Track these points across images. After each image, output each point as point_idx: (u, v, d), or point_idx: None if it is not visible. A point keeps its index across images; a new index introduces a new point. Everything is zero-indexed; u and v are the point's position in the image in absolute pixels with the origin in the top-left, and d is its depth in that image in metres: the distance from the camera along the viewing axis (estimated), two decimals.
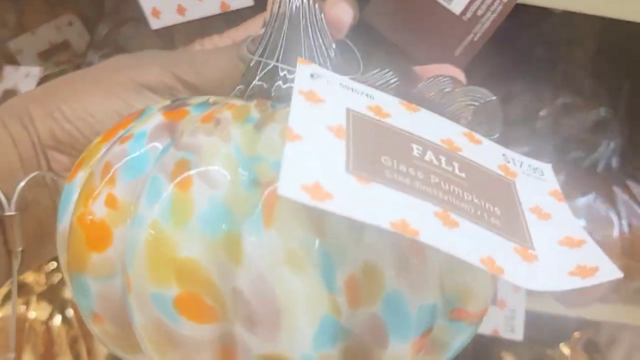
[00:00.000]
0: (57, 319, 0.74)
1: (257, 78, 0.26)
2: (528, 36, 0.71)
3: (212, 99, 0.25)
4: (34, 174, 0.30)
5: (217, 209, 0.20)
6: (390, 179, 0.20)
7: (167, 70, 0.32)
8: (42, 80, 0.60)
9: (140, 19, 0.61)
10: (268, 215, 0.20)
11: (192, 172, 0.21)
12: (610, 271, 0.22)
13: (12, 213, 0.29)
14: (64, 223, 0.23)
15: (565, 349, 0.75)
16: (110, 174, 0.22)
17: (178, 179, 0.20)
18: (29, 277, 0.76)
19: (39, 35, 0.76)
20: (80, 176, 0.24)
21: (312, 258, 0.20)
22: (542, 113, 0.62)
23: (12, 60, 0.74)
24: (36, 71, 0.59)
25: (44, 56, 0.77)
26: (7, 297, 0.75)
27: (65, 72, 0.64)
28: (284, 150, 0.19)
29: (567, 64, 0.69)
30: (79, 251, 0.22)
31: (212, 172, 0.21)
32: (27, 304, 0.74)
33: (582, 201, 0.57)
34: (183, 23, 0.55)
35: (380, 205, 0.18)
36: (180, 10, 0.51)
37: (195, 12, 0.51)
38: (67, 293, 0.76)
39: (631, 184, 0.59)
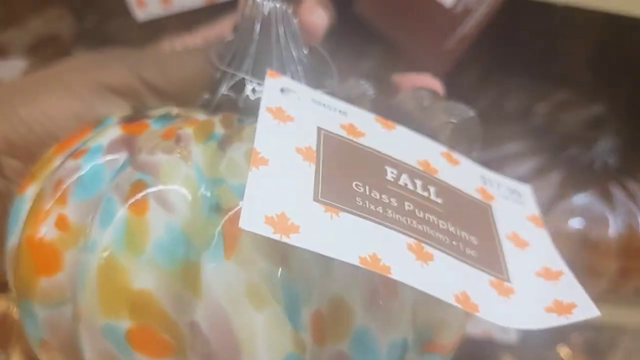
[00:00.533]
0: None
1: (225, 88, 0.24)
2: (525, 30, 0.69)
3: (175, 110, 0.23)
4: None
5: (175, 235, 0.18)
6: (362, 208, 0.19)
7: (134, 72, 0.29)
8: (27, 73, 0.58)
9: (127, 12, 0.59)
10: (229, 245, 0.18)
11: (148, 194, 0.19)
12: (586, 309, 0.20)
13: None
14: (12, 239, 0.22)
15: (564, 351, 0.74)
16: (61, 192, 0.21)
17: (132, 201, 0.19)
18: None
19: (28, 28, 0.75)
20: (31, 190, 0.22)
21: (275, 292, 0.18)
22: (539, 109, 0.60)
23: (2, 53, 0.73)
24: (22, 65, 0.57)
25: (34, 50, 0.75)
26: None
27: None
28: (248, 176, 0.17)
29: (565, 59, 0.68)
30: (26, 275, 0.21)
31: (170, 194, 0.19)
32: (15, 302, 0.73)
33: (578, 199, 0.56)
34: (173, 17, 0.54)
35: (349, 238, 0.17)
36: (165, 1, 0.50)
37: (180, 4, 0.50)
38: None
39: (628, 182, 0.57)
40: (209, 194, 0.19)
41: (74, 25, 0.78)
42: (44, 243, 0.20)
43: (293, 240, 0.17)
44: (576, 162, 0.57)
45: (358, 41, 0.62)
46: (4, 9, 0.75)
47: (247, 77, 0.25)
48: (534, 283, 0.21)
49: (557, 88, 0.61)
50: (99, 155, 0.21)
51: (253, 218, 0.17)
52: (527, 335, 0.62)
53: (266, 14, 0.25)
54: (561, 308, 0.20)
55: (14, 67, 0.59)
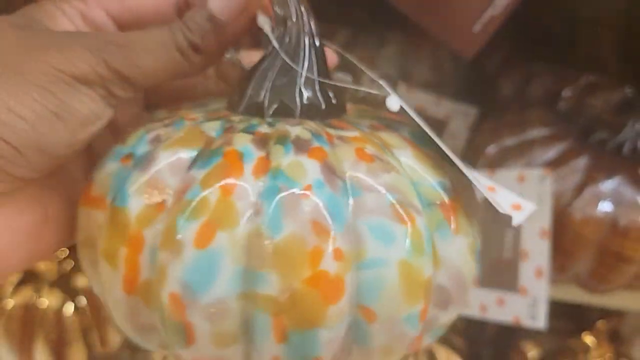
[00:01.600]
0: (69, 308, 0.73)
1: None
2: (551, 14, 0.68)
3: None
4: None
5: (427, 234, 0.25)
6: None
7: (99, 57, 0.25)
8: None
9: None
10: (455, 225, 0.26)
11: (409, 209, 0.24)
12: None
13: None
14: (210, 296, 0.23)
15: (588, 339, 0.73)
16: (324, 229, 0.23)
17: (404, 218, 0.24)
18: (41, 266, 0.75)
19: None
20: (225, 238, 0.23)
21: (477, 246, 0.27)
22: (565, 93, 0.59)
23: None
24: None
25: None
26: (20, 285, 0.74)
27: None
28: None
29: (591, 43, 0.66)
30: (314, 309, 0.23)
31: (416, 204, 0.25)
32: (38, 292, 0.73)
33: (607, 184, 0.54)
34: None
35: None
36: None
37: None
38: (79, 282, 0.74)
39: None
40: (420, 197, 0.25)
41: None
42: (330, 277, 0.23)
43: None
44: (604, 146, 0.56)
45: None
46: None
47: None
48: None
49: (583, 72, 0.60)
50: (325, 189, 0.23)
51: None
52: (550, 323, 0.61)
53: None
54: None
55: None
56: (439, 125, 0.68)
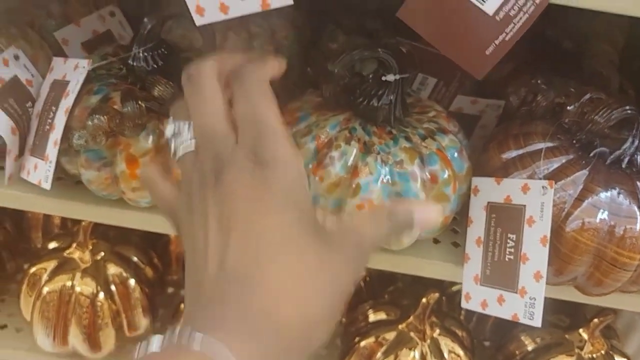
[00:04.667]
0: (101, 294, 0.76)
1: None
2: (555, 30, 0.69)
3: None
4: None
5: None
6: None
7: None
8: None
9: (183, 14, 0.61)
10: None
11: None
12: None
13: None
14: None
15: (584, 334, 0.75)
16: None
17: None
18: (75, 254, 0.78)
19: (84, 25, 0.77)
20: None
21: None
22: (569, 108, 0.61)
23: (59, 50, 0.75)
24: (84, 63, 0.59)
25: (88, 46, 0.78)
26: (55, 272, 0.77)
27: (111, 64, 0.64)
28: None
29: (595, 60, 0.68)
30: None
31: None
32: (72, 279, 0.76)
33: (605, 195, 0.57)
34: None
35: None
36: (223, 8, 0.51)
37: (238, 10, 0.51)
38: (111, 269, 0.78)
39: None
40: None
41: (126, 22, 0.80)
42: None
43: None
44: (604, 159, 0.58)
45: None
46: (60, 8, 0.78)
47: None
48: None
49: (586, 88, 0.62)
50: None
51: None
52: (548, 318, 0.63)
53: None
54: None
55: (75, 65, 0.61)
56: (473, 120, 0.74)
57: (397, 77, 0.58)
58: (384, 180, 0.57)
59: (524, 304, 0.57)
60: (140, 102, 0.56)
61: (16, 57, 0.64)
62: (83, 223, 0.76)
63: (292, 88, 0.87)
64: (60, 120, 0.59)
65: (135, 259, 0.81)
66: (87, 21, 0.77)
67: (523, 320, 0.57)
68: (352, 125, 0.59)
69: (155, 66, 0.61)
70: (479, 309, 0.61)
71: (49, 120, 0.61)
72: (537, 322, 0.56)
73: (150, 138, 0.58)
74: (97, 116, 0.55)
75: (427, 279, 0.79)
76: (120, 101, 0.57)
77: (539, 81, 0.65)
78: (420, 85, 0.72)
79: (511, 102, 0.68)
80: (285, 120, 0.62)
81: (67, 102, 0.59)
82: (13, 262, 0.88)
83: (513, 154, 0.62)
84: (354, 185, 0.57)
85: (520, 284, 0.58)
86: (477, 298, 0.61)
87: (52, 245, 0.81)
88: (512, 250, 0.58)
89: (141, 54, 0.60)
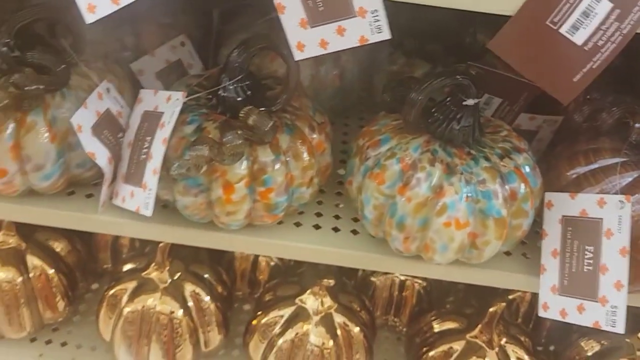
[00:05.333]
0: (180, 312, 0.79)
1: None
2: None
3: None
4: None
5: None
6: None
7: None
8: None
9: (270, 47, 0.64)
10: None
11: None
12: None
13: None
14: None
15: None
16: None
17: None
18: (153, 274, 0.81)
19: (157, 56, 0.80)
20: None
21: None
22: (637, 125, 0.64)
23: (135, 80, 0.79)
24: (178, 95, 0.62)
25: (161, 75, 0.81)
26: (135, 292, 0.80)
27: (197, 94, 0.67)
28: None
29: None
30: None
31: None
32: (153, 299, 0.79)
33: None
34: None
35: None
36: (323, 43, 0.55)
37: (336, 45, 0.55)
38: (188, 288, 0.80)
39: None
40: None
41: (194, 51, 0.84)
42: None
43: None
44: None
45: None
46: (134, 39, 0.81)
47: None
48: None
49: None
50: None
51: None
52: None
53: None
54: None
55: (167, 97, 0.64)
56: (530, 135, 0.78)
57: (476, 100, 0.62)
58: (469, 199, 0.60)
59: (605, 312, 0.60)
60: (239, 132, 0.59)
61: (108, 90, 0.67)
62: (161, 244, 0.79)
63: (352, 109, 0.90)
64: (158, 150, 0.62)
65: (207, 276, 0.84)
66: (160, 52, 0.80)
67: (605, 327, 0.60)
68: (433, 147, 0.63)
69: (245, 96, 0.64)
70: (558, 318, 0.64)
71: (145, 150, 0.64)
72: (619, 329, 0.59)
73: (245, 164, 0.61)
74: (199, 147, 0.58)
75: (480, 289, 0.83)
76: (220, 132, 0.60)
77: (605, 98, 0.68)
78: (484, 105, 0.75)
79: (574, 118, 0.71)
80: (367, 143, 0.66)
81: (163, 133, 0.62)
82: (85, 282, 0.91)
83: (584, 169, 0.65)
84: (440, 205, 0.60)
85: (601, 293, 0.61)
86: (556, 307, 0.64)
87: (128, 266, 0.84)
88: (591, 261, 0.61)
89: (231, 86, 0.63)
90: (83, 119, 0.63)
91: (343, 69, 0.82)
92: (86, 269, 0.91)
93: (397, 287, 0.89)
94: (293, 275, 0.88)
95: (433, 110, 0.64)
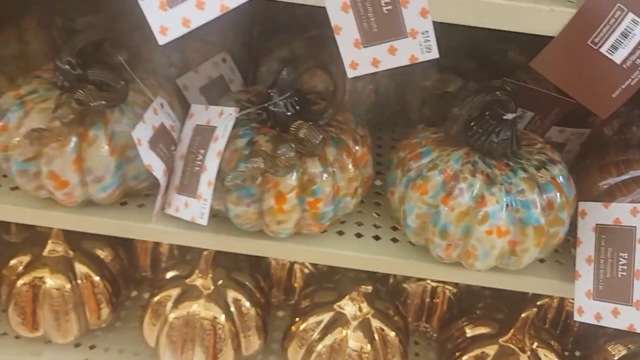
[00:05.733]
0: (222, 318, 0.82)
1: None
2: None
3: None
4: None
5: None
6: None
7: None
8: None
9: (319, 65, 0.68)
10: None
11: None
12: None
13: None
14: None
15: None
16: None
17: None
18: (197, 281, 0.84)
19: (201, 72, 0.84)
20: None
21: None
22: None
23: (180, 95, 0.82)
24: (231, 110, 0.65)
25: (204, 90, 0.85)
26: (180, 299, 0.83)
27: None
28: None
29: None
30: None
31: None
32: (197, 305, 0.82)
33: None
34: None
35: None
36: (375, 62, 0.58)
37: (387, 64, 0.58)
38: (230, 295, 0.83)
39: None
40: None
41: (235, 67, 0.87)
42: None
43: None
44: None
45: None
46: (180, 57, 0.85)
47: None
48: None
49: None
50: None
51: None
52: None
53: None
54: None
55: (219, 112, 0.67)
56: (559, 146, 0.80)
57: (515, 114, 0.65)
58: (509, 208, 0.63)
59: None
60: (292, 145, 0.62)
61: (162, 106, 0.71)
62: (205, 252, 0.82)
63: (386, 122, 0.94)
64: (212, 163, 0.65)
65: (247, 283, 0.87)
66: (203, 68, 0.84)
67: (639, 330, 0.63)
68: (473, 159, 0.66)
69: (294, 111, 0.67)
70: (593, 321, 0.67)
71: (198, 162, 0.67)
72: None
73: (295, 175, 0.64)
74: (254, 159, 0.62)
75: (507, 296, 0.86)
76: (272, 145, 0.63)
77: (630, 114, 0.72)
78: (517, 119, 0.78)
79: (603, 131, 0.74)
80: (408, 155, 0.69)
81: (217, 146, 0.65)
82: (126, 290, 0.94)
83: (615, 180, 0.68)
84: (482, 214, 0.63)
85: (635, 298, 0.63)
86: (590, 311, 0.67)
87: (171, 274, 0.87)
88: (625, 267, 0.64)
89: (280, 101, 0.67)
90: (142, 133, 0.66)
91: (378, 84, 0.85)
92: (127, 276, 0.94)
93: (429, 294, 0.92)
94: (328, 282, 0.91)
95: (472, 124, 0.67)
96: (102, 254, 0.89)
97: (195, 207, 0.67)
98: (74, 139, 0.65)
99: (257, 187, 0.65)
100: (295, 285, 0.95)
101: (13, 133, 0.66)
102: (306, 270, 0.95)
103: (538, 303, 0.91)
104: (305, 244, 0.70)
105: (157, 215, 0.70)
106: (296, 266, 0.95)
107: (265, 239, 0.70)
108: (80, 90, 0.64)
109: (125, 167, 0.68)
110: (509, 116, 0.65)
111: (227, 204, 0.67)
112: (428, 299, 0.92)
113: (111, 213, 0.72)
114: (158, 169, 0.67)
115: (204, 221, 0.65)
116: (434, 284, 0.92)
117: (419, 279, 0.92)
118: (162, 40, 0.55)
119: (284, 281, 0.95)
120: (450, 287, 0.92)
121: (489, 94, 0.64)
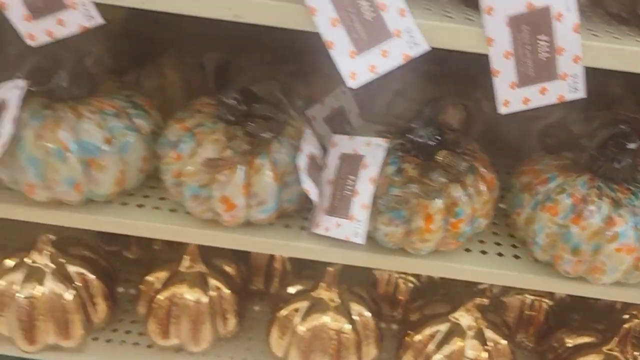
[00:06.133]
0: (348, 328, 0.89)
1: None
2: None
3: None
4: None
5: None
6: None
7: None
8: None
9: (457, 102, 0.76)
10: None
11: None
12: None
13: None
14: None
15: None
16: None
17: None
18: (323, 294, 0.91)
19: (326, 104, 0.92)
20: None
21: None
22: None
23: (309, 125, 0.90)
24: (380, 141, 0.73)
25: (327, 120, 0.93)
26: (309, 312, 0.90)
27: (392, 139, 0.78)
28: None
29: None
30: None
31: None
32: (326, 317, 0.89)
33: None
34: None
35: None
36: (525, 101, 0.66)
37: (537, 102, 0.66)
38: (354, 307, 0.91)
39: None
40: None
41: (352, 99, 0.96)
42: None
43: None
44: None
45: None
46: (306, 90, 0.93)
47: None
48: None
49: None
50: None
51: None
52: None
53: None
54: None
55: (366, 142, 0.75)
56: None
57: (638, 144, 0.73)
58: (637, 228, 0.70)
59: None
60: (442, 172, 0.70)
61: (311, 136, 0.79)
62: (330, 268, 0.90)
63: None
64: (365, 187, 0.73)
65: (366, 296, 0.94)
66: (327, 100, 0.92)
67: None
68: (597, 184, 0.73)
69: (435, 141, 0.75)
70: None
71: (348, 187, 0.75)
72: None
73: (441, 199, 0.72)
74: (410, 185, 0.70)
75: (598, 309, 0.93)
76: (420, 172, 0.71)
77: None
78: None
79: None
80: (534, 180, 0.76)
81: (369, 173, 0.73)
82: (245, 303, 1.01)
83: None
84: (612, 233, 0.70)
85: None
86: None
87: (294, 289, 0.94)
88: None
89: (423, 133, 0.75)
90: (301, 161, 0.74)
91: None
92: (247, 290, 1.02)
93: (528, 307, 0.99)
94: (435, 296, 0.98)
95: (593, 152, 0.75)
96: (229, 269, 0.97)
97: (348, 227, 0.74)
98: (243, 167, 0.73)
99: (408, 209, 0.72)
100: (400, 298, 1.03)
101: (186, 162, 0.74)
102: (410, 285, 1.02)
103: (634, 312, 0.98)
104: (442, 260, 0.78)
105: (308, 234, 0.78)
106: (399, 280, 1.03)
107: (406, 255, 0.77)
108: (251, 123, 0.73)
109: (283, 192, 0.76)
110: (632, 146, 0.72)
111: (377, 224, 0.74)
112: (526, 312, 0.99)
113: (266, 232, 0.79)
114: (313, 192, 0.75)
115: (359, 240, 0.73)
116: (532, 298, 0.99)
117: (518, 293, 0.99)
118: (351, 84, 0.63)
119: (390, 295, 1.03)
120: (547, 300, 0.99)
121: (615, 127, 0.72)
